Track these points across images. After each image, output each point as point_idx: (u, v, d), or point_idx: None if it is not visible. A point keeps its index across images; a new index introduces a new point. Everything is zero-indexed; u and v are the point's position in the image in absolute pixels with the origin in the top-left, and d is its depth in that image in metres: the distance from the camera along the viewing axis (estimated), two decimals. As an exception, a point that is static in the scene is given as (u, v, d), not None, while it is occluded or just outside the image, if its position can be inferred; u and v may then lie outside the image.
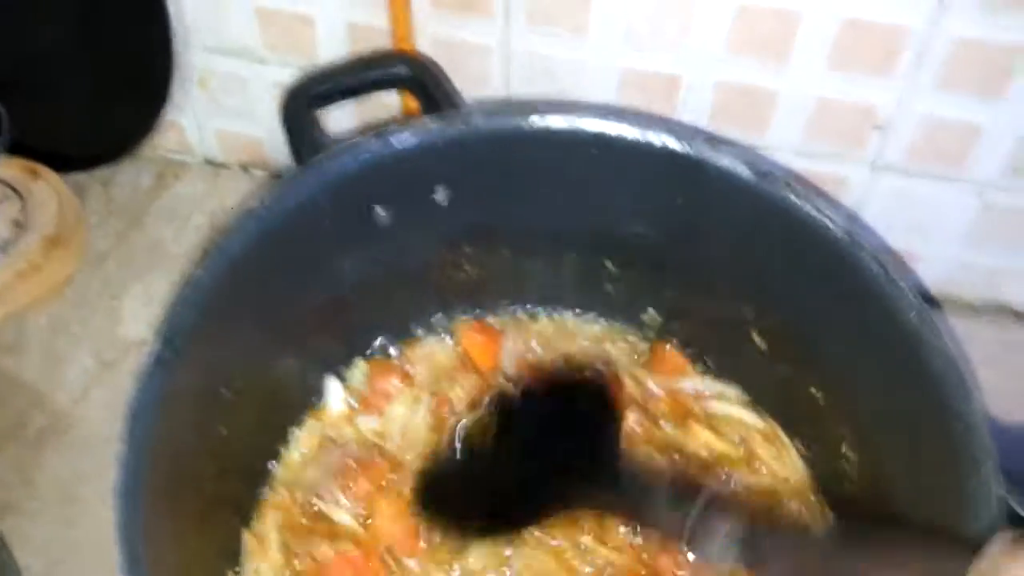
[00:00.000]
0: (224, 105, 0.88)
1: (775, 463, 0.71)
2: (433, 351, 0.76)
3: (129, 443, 0.50)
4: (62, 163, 0.91)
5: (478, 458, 0.67)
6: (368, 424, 0.72)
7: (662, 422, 0.72)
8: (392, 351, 0.76)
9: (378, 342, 0.76)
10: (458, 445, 0.69)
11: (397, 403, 0.73)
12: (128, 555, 0.49)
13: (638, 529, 0.65)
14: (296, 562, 0.66)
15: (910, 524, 0.55)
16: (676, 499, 0.58)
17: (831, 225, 0.59)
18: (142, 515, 0.50)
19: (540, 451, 0.64)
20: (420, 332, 0.77)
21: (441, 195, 0.65)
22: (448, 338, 0.77)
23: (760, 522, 0.57)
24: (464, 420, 0.70)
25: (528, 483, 0.63)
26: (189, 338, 0.55)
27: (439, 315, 0.76)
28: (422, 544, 0.67)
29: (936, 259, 0.81)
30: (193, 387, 0.57)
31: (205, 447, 0.60)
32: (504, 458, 0.66)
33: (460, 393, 0.73)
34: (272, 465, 0.71)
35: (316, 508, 0.68)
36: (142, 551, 0.49)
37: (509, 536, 0.66)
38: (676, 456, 0.71)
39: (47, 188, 0.89)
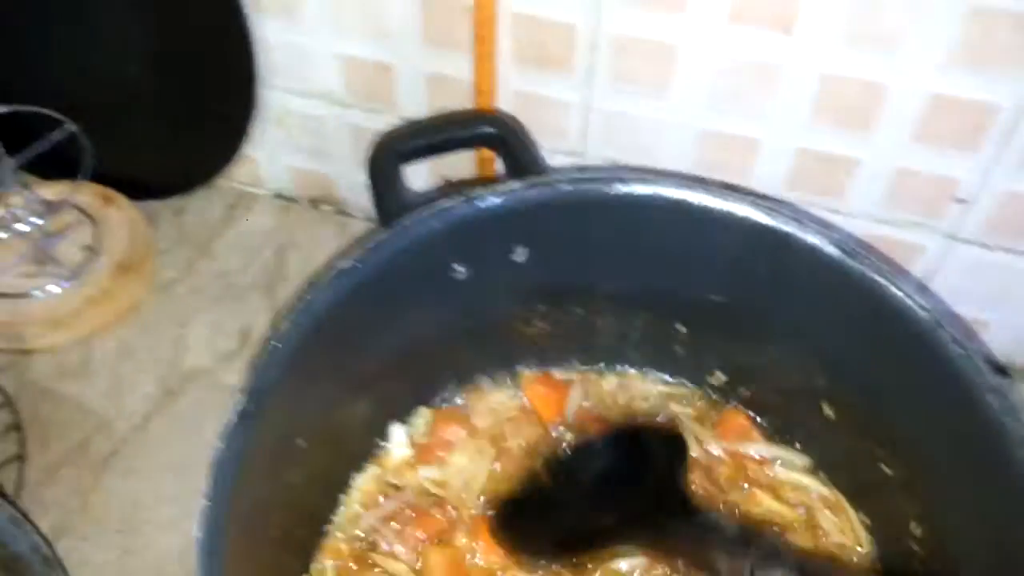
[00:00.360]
0: (299, 143, 0.89)
1: (838, 533, 0.70)
2: (497, 401, 0.76)
3: (212, 499, 0.51)
4: (136, 191, 0.92)
5: (552, 491, 0.69)
6: (429, 472, 0.73)
7: (724, 485, 0.72)
8: (457, 400, 0.76)
9: (444, 391, 0.76)
10: (535, 479, 0.70)
11: (459, 452, 0.73)
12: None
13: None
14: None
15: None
16: (737, 544, 0.59)
17: (915, 306, 0.59)
18: (219, 567, 0.51)
19: (610, 487, 0.65)
20: (486, 383, 0.77)
21: (520, 255, 0.65)
22: (513, 389, 0.77)
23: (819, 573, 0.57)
24: (542, 458, 0.71)
25: (597, 514, 0.64)
26: (272, 392, 0.55)
27: (506, 367, 0.77)
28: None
29: (1006, 327, 0.81)
30: (272, 439, 0.57)
31: (277, 495, 0.61)
32: (576, 492, 0.67)
33: (522, 444, 0.73)
34: (334, 510, 0.71)
35: (374, 555, 0.69)
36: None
37: (576, 560, 0.67)
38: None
39: (120, 215, 0.91)
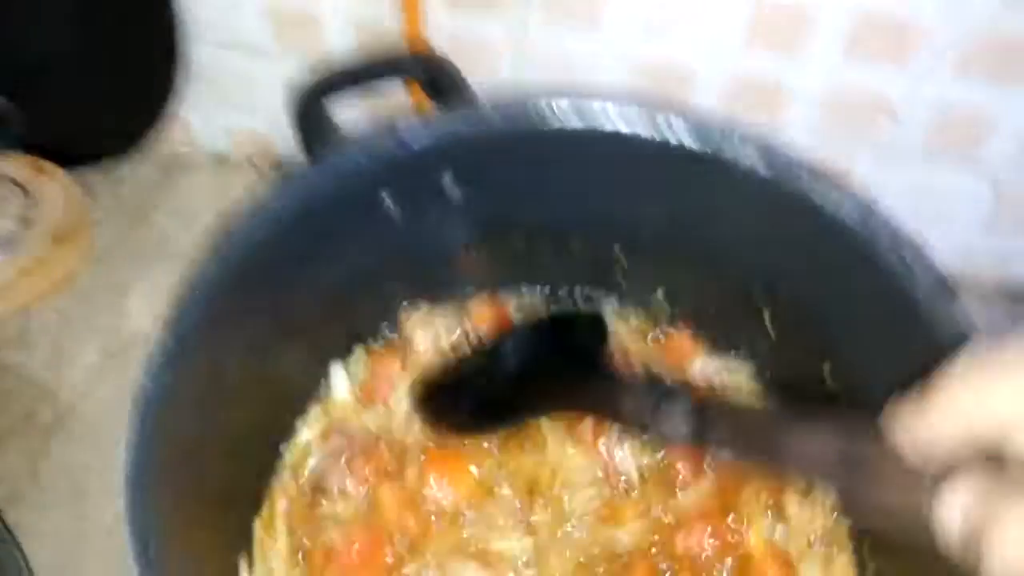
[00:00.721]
0: (231, 100, 0.88)
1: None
2: (438, 330, 0.75)
3: (137, 433, 0.50)
4: (68, 159, 0.90)
5: (476, 373, 0.70)
6: (372, 412, 0.72)
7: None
8: (395, 336, 0.75)
9: (382, 327, 0.75)
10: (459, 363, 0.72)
11: (400, 390, 0.72)
12: (137, 543, 0.48)
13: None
14: (306, 545, 0.66)
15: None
16: (642, 387, 0.59)
17: (845, 213, 0.58)
18: (151, 505, 0.50)
19: (534, 367, 0.67)
20: (425, 314, 0.75)
21: (451, 186, 0.64)
22: (455, 317, 0.76)
23: (710, 402, 0.57)
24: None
25: (521, 390, 0.66)
26: (196, 330, 0.54)
27: (445, 299, 0.75)
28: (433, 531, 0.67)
29: (948, 244, 0.80)
30: (200, 378, 0.56)
31: (214, 437, 0.59)
32: (500, 373, 0.68)
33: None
34: (280, 453, 0.70)
35: (322, 495, 0.68)
36: (152, 540, 0.49)
37: (500, 430, 0.69)
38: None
39: (53, 184, 0.89)
